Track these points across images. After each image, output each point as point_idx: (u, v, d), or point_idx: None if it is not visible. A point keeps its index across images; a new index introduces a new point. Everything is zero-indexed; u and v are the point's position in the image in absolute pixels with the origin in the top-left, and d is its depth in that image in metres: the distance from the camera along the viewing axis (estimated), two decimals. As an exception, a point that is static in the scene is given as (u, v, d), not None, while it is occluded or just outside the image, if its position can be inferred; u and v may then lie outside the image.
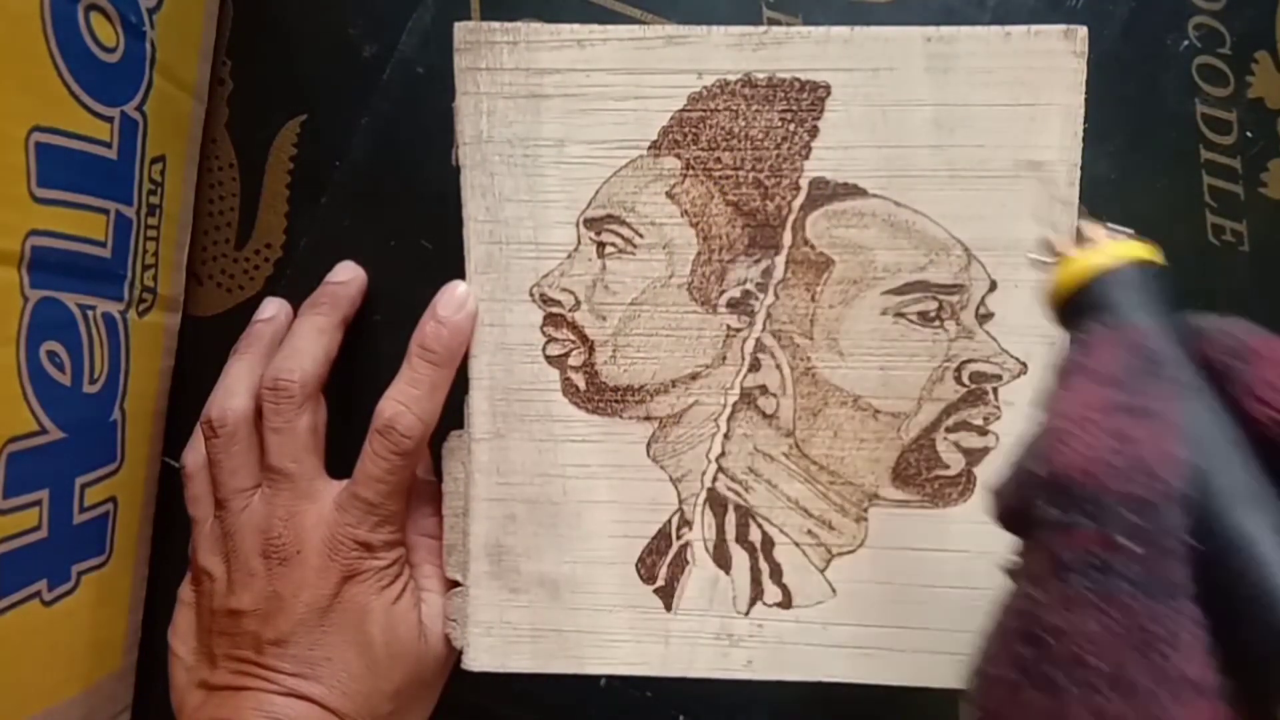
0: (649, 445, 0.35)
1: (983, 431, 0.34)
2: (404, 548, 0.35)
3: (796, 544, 0.35)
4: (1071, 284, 0.23)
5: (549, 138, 0.34)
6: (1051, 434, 0.20)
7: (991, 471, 0.34)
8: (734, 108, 0.34)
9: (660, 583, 0.35)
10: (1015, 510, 0.21)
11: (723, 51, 0.33)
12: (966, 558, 0.34)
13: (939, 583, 0.34)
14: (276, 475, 0.33)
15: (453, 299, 0.34)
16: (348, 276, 0.38)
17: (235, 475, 0.34)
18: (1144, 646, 0.18)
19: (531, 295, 0.35)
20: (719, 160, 0.34)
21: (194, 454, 0.36)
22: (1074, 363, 0.21)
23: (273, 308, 0.38)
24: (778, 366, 0.34)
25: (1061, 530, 0.19)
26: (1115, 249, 0.23)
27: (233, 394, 0.35)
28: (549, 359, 0.35)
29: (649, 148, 0.34)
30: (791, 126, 0.34)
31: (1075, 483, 0.19)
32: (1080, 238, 0.24)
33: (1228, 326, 0.21)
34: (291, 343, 0.36)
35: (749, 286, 0.34)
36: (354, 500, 0.33)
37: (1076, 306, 0.23)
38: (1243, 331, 0.21)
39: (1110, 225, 0.24)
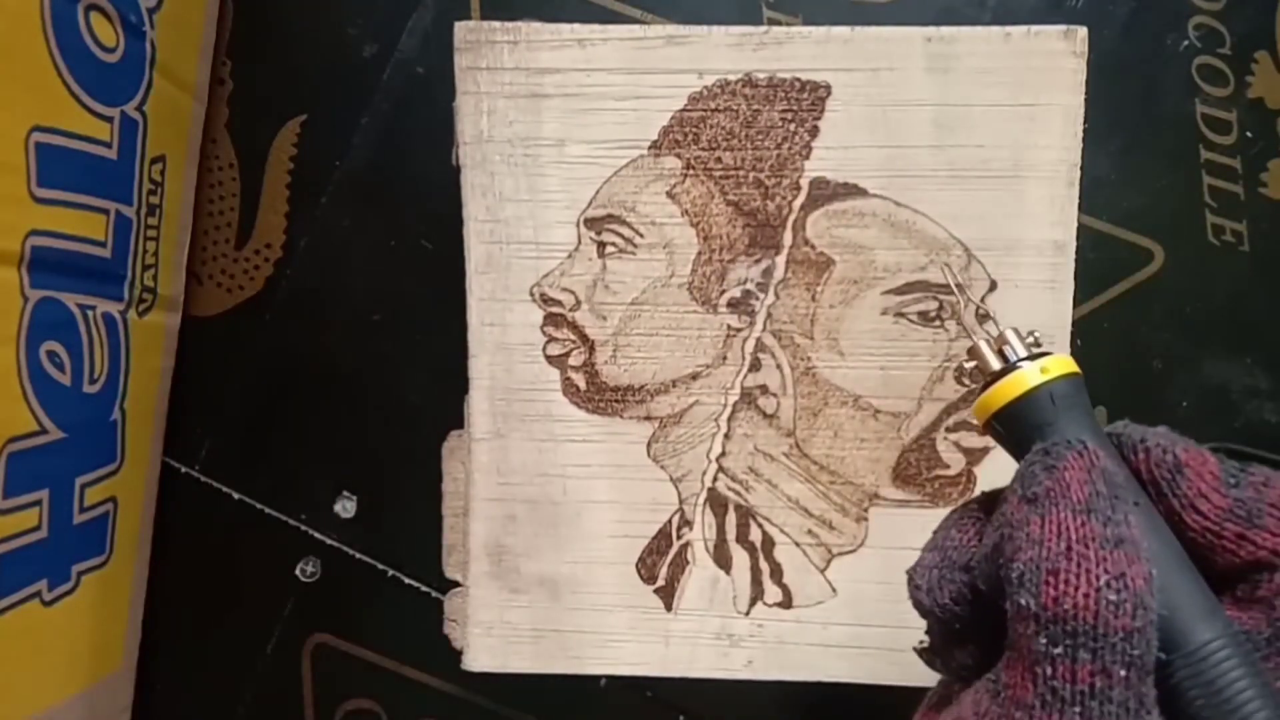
0: (649, 445, 0.35)
1: (983, 431, 0.34)
2: None
3: (797, 544, 0.35)
4: (1005, 400, 0.23)
5: (549, 137, 0.34)
6: (1042, 567, 0.20)
7: (986, 478, 0.34)
8: (734, 108, 0.34)
9: (660, 583, 0.35)
10: (958, 615, 0.22)
11: (723, 51, 0.33)
12: (967, 558, 0.34)
13: (939, 583, 0.34)
14: None
15: None
16: None
17: None
18: None
19: (532, 295, 0.35)
20: (719, 160, 0.34)
21: None
22: (1045, 489, 0.21)
23: None
24: (778, 366, 0.34)
25: (1061, 663, 0.19)
26: (1047, 364, 0.23)
27: None
28: (549, 359, 0.35)
29: (649, 147, 0.34)
30: (792, 126, 0.34)
31: (1077, 620, 0.19)
32: (999, 351, 0.24)
33: (1161, 440, 0.22)
34: None
35: (749, 286, 0.34)
36: None
37: (1013, 420, 0.23)
38: (1175, 445, 0.22)
39: (1016, 331, 0.25)
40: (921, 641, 0.26)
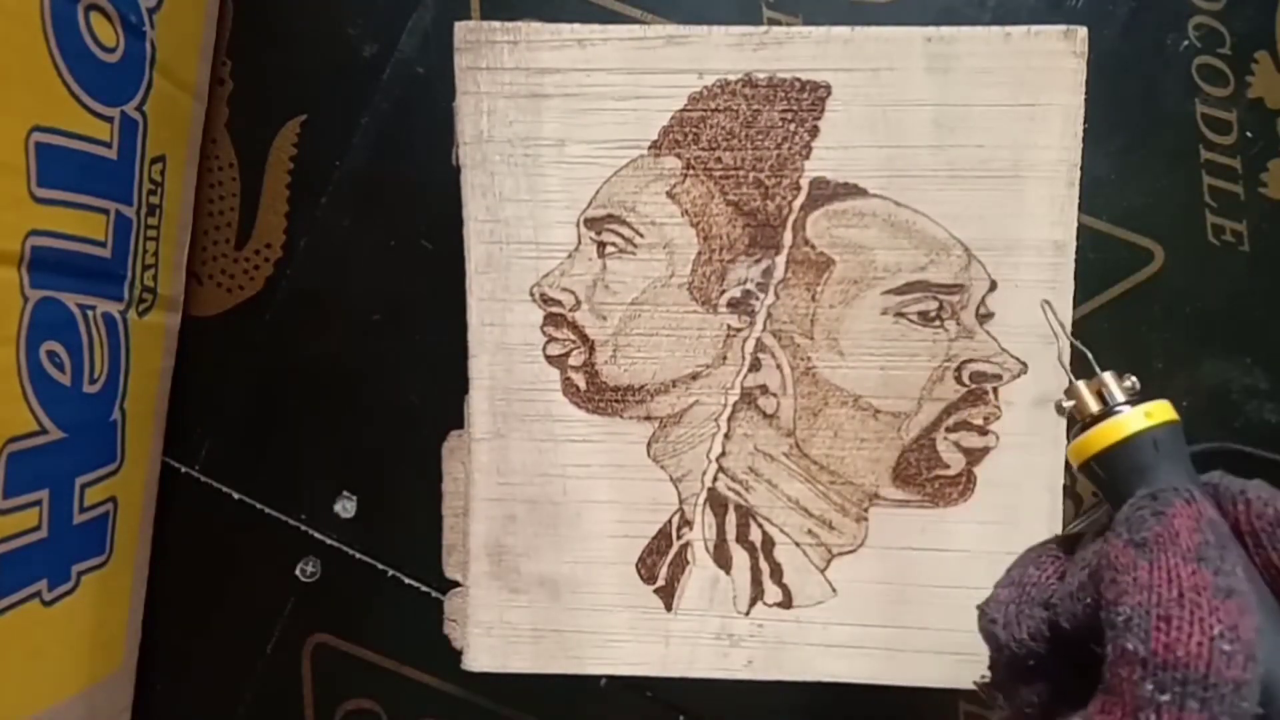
0: (649, 445, 0.35)
1: (983, 431, 0.34)
2: None
3: (797, 544, 0.35)
4: (1107, 443, 0.24)
5: (549, 137, 0.34)
6: (1152, 613, 0.20)
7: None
8: (734, 108, 0.34)
9: (660, 583, 0.35)
10: (1033, 652, 0.22)
11: (723, 51, 0.33)
12: (966, 557, 0.34)
13: (939, 583, 0.34)
14: None
15: None
16: None
17: None
18: None
19: (532, 295, 0.35)
20: (719, 160, 0.34)
21: None
22: (1155, 535, 0.21)
23: None
24: (778, 366, 0.34)
25: (1168, 710, 0.19)
26: (1151, 410, 0.23)
27: None
28: (549, 359, 0.35)
29: (649, 147, 0.34)
30: (792, 126, 0.34)
31: (1189, 668, 0.19)
32: (1098, 394, 0.25)
33: (1262, 493, 0.22)
34: None
35: (749, 286, 0.34)
36: None
37: (1113, 464, 0.23)
38: (1276, 499, 0.22)
39: (1115, 374, 0.25)
40: (984, 676, 0.25)
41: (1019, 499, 0.34)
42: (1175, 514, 0.21)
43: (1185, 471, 0.23)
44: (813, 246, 0.34)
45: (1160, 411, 0.23)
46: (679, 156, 0.34)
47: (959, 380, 0.34)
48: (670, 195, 0.34)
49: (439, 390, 0.37)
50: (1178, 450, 0.23)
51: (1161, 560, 0.21)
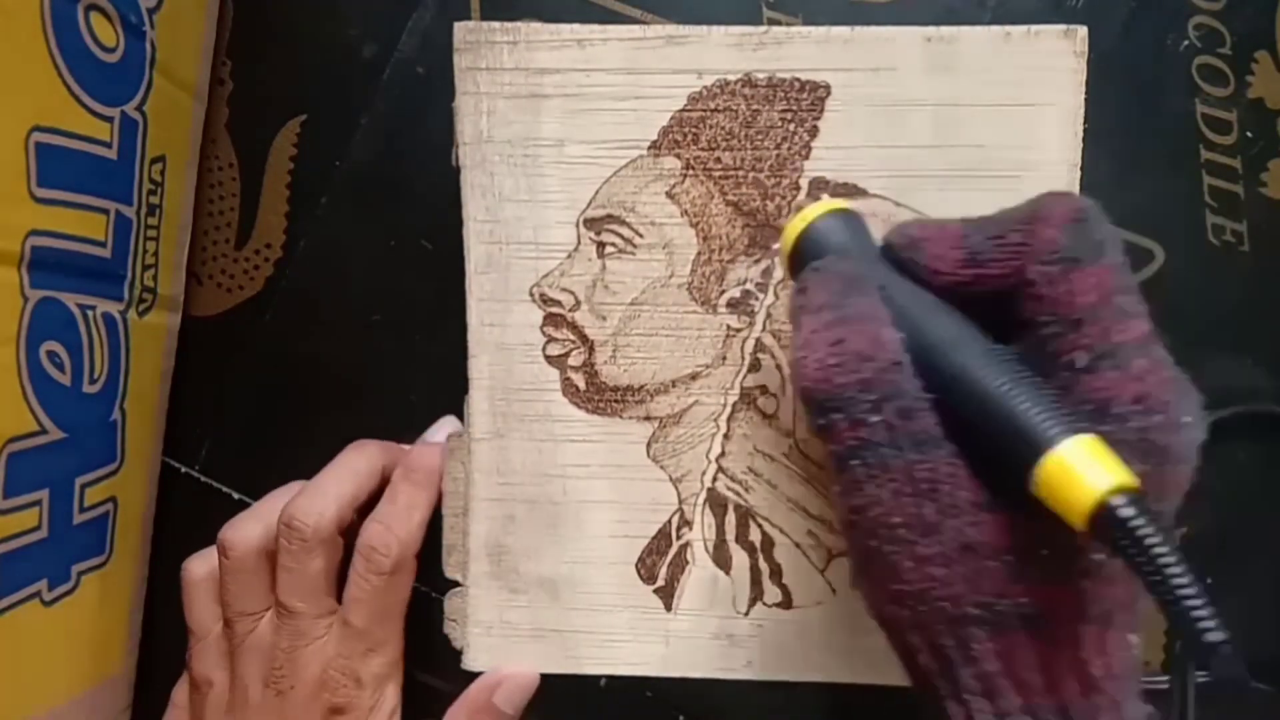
0: (649, 445, 0.35)
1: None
2: (396, 684, 0.35)
3: (797, 544, 0.35)
4: (789, 243, 0.28)
5: (549, 138, 0.34)
6: (793, 365, 0.24)
7: None
8: (734, 108, 0.34)
9: (660, 583, 0.35)
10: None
11: (723, 51, 0.33)
12: (966, 558, 0.34)
13: (939, 583, 0.34)
14: (284, 610, 0.33)
15: (441, 429, 0.36)
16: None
17: (241, 599, 0.34)
18: (925, 492, 0.22)
19: (531, 295, 0.35)
20: (719, 160, 0.34)
21: (199, 563, 0.35)
22: (795, 304, 0.25)
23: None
24: (778, 366, 0.34)
25: (827, 431, 0.23)
26: (814, 207, 0.28)
27: (253, 520, 0.34)
28: (549, 359, 0.35)
29: (649, 148, 0.34)
30: (791, 126, 0.34)
31: (817, 391, 0.23)
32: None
33: (901, 228, 0.26)
34: (320, 480, 0.35)
35: (749, 286, 0.34)
36: (344, 627, 0.33)
37: (799, 259, 0.27)
38: (911, 227, 0.26)
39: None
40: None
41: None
42: (807, 282, 0.25)
43: (849, 244, 0.27)
44: (812, 246, 0.34)
45: (823, 205, 0.28)
46: (679, 157, 0.34)
47: None
48: (670, 195, 0.34)
49: (439, 390, 0.37)
50: (842, 231, 0.27)
51: (799, 320, 0.25)
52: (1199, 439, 0.22)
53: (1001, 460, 0.21)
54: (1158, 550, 0.18)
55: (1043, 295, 0.23)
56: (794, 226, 0.28)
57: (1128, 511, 0.19)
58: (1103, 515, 0.19)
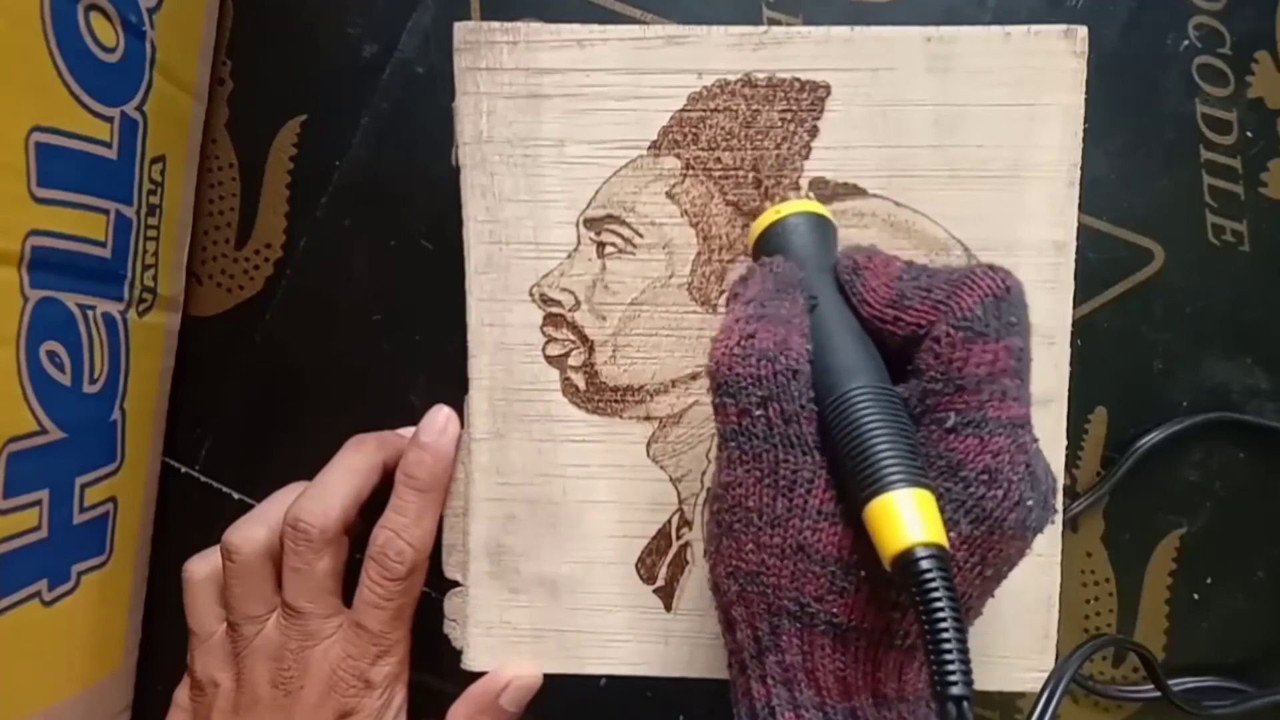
0: (649, 445, 0.35)
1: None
2: (403, 685, 0.35)
3: (796, 544, 0.35)
4: (756, 233, 0.30)
5: (549, 138, 0.34)
6: (711, 343, 0.26)
7: None
8: (734, 108, 0.34)
9: (660, 583, 0.35)
10: None
11: (723, 51, 0.33)
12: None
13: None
14: (292, 611, 0.33)
15: (434, 424, 0.35)
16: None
17: (246, 602, 0.34)
18: (782, 489, 0.24)
19: (531, 295, 0.35)
20: (719, 160, 0.34)
21: (201, 564, 0.35)
22: (733, 290, 0.27)
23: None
24: (778, 366, 0.34)
25: (718, 410, 0.25)
26: (788, 205, 0.29)
27: (257, 523, 0.34)
28: (549, 359, 0.35)
29: (649, 148, 0.34)
30: (791, 126, 0.34)
31: (718, 372, 0.25)
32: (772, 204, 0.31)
33: (852, 251, 0.28)
34: (323, 481, 0.34)
35: (749, 286, 0.34)
36: (356, 630, 0.34)
37: (761, 249, 0.29)
38: (860, 254, 0.27)
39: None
40: None
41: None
42: (749, 274, 0.27)
43: (802, 247, 0.28)
44: (812, 246, 0.34)
45: (792, 206, 0.29)
46: (678, 157, 0.34)
47: None
48: (670, 195, 0.34)
49: (439, 390, 0.37)
50: (801, 233, 0.29)
51: (730, 306, 0.27)
52: (1042, 522, 0.24)
53: (852, 486, 0.23)
54: (936, 604, 0.21)
55: (940, 354, 0.24)
56: (765, 218, 0.29)
57: (925, 565, 0.21)
58: (904, 561, 0.21)
